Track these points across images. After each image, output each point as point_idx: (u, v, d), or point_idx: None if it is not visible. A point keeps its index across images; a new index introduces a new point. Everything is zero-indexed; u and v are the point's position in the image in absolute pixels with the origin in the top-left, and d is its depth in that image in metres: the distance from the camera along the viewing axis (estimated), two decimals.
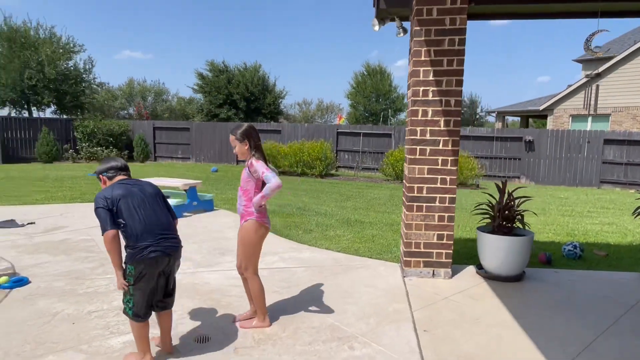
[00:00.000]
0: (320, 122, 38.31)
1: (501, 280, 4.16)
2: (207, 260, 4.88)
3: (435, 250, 4.20)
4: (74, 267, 4.48)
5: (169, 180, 8.02)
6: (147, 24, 69.11)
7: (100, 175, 2.74)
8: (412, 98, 4.08)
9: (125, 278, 2.52)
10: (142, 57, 65.66)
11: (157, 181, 7.93)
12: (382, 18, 4.45)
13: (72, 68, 21.29)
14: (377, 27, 4.50)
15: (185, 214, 7.42)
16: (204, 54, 67.01)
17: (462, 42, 3.95)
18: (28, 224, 6.42)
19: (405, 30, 4.58)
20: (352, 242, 5.81)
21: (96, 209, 2.50)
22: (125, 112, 23.87)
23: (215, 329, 3.15)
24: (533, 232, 4.31)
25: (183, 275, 4.27)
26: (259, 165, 2.98)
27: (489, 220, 4.41)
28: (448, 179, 4.10)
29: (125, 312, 2.59)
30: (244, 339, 3.01)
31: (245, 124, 3.17)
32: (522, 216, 4.27)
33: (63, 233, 5.95)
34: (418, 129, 4.09)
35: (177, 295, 3.63)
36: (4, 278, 3.86)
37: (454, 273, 4.37)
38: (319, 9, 79.50)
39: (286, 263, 4.79)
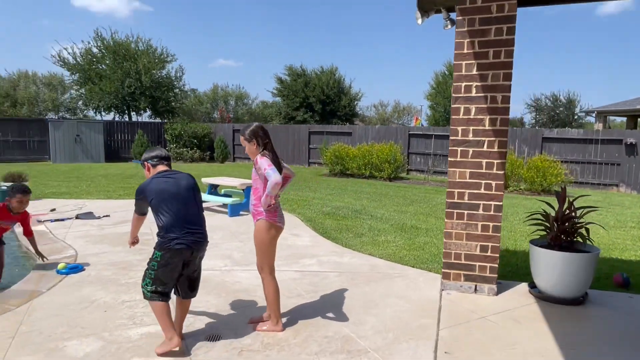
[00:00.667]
0: (396, 124, 37.48)
1: (556, 302, 3.61)
2: (246, 259, 4.95)
3: (477, 263, 3.78)
4: (126, 258, 4.83)
5: (228, 180, 8.35)
6: (239, 35, 73.49)
7: (145, 163, 2.99)
8: (454, 95, 3.73)
9: (150, 261, 2.79)
10: (234, 65, 70.04)
11: (218, 180, 8.32)
12: (425, 10, 4.13)
13: (164, 76, 23.37)
14: (420, 20, 4.19)
15: (242, 212, 7.66)
16: (288, 60, 69.40)
17: (512, 30, 3.50)
18: (104, 216, 7.11)
19: (453, 22, 4.19)
20: (399, 249, 5.51)
21: (135, 199, 2.92)
22: (210, 115, 25.64)
23: (229, 329, 3.15)
24: (599, 248, 3.68)
25: (218, 272, 4.38)
26: (262, 162, 2.93)
27: (545, 233, 3.86)
28: (494, 184, 3.67)
29: (144, 295, 2.79)
30: (252, 341, 2.96)
31: (254, 124, 3.14)
32: (587, 229, 3.66)
33: (129, 226, 6.47)
34: (459, 128, 3.72)
35: (204, 291, 3.73)
36: (62, 264, 4.28)
37: (502, 290, 3.90)
38: (402, 9, 77.93)
39: (322, 267, 4.67)
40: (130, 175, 13.81)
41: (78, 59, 22.52)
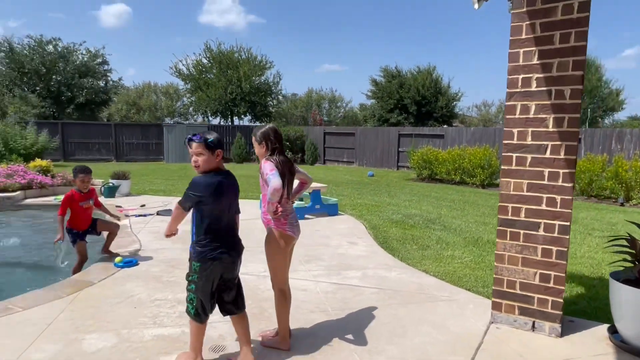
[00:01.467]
0: (501, 125, 34.26)
1: None
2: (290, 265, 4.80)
3: (536, 295, 3.10)
4: (180, 255, 5.04)
5: (295, 182, 8.33)
6: (344, 40, 74.85)
7: (218, 151, 2.59)
8: (509, 90, 3.11)
9: (190, 275, 2.58)
10: (339, 70, 71.57)
11: None
12: None
13: (263, 82, 24.69)
14: (477, 5, 3.60)
15: (307, 216, 7.58)
16: (389, 61, 68.51)
17: (586, 6, 2.79)
18: None
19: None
20: (462, 267, 4.88)
21: (188, 192, 2.49)
22: (306, 118, 26.43)
23: (236, 341, 3.02)
24: None
25: (253, 278, 4.30)
26: (265, 166, 2.73)
27: (631, 264, 3.01)
28: (559, 200, 2.97)
29: (187, 311, 2.62)
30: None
31: (267, 126, 2.94)
32: None
33: None
34: (515, 130, 3.09)
35: None
36: (119, 258, 4.61)
37: (570, 330, 3.14)
38: None
39: (363, 281, 4.32)
40: None
41: (191, 70, 24.97)
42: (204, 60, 24.87)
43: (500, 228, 3.20)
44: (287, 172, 2.90)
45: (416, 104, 25.31)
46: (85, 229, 4.79)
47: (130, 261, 4.63)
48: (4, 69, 24.50)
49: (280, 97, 26.30)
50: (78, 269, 4.56)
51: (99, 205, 5.05)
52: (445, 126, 23.58)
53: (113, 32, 65.37)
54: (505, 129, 3.15)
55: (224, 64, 23.24)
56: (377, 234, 6.41)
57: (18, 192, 8.92)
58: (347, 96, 68.81)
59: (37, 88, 24.86)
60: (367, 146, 19.63)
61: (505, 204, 3.18)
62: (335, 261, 4.99)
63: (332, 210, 7.84)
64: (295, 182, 3.16)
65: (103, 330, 3.12)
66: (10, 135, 16.20)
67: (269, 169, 2.70)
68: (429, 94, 25.23)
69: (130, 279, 4.21)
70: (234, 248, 2.63)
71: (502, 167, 3.20)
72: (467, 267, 4.91)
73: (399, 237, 6.29)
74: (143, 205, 8.38)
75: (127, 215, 7.29)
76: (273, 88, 24.94)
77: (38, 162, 10.54)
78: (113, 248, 5.04)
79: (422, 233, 6.57)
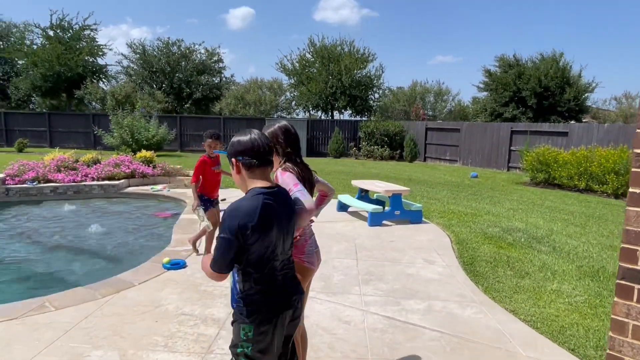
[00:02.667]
0: None
1: None
2: (342, 285, 4.13)
3: None
4: None
5: (377, 183, 7.55)
6: (457, 29, 70.36)
7: (234, 160, 1.72)
8: None
9: (238, 344, 1.70)
10: (452, 61, 67.73)
11: (367, 184, 7.63)
12: None
13: (365, 75, 24.02)
14: None
15: (386, 222, 6.77)
16: (504, 50, 62.28)
17: None
18: None
19: None
20: (568, 310, 3.68)
21: (220, 235, 1.63)
22: (407, 113, 25.11)
23: None
24: None
25: None
26: (285, 179, 2.08)
27: None
28: None
29: None
30: None
31: (276, 125, 2.29)
32: None
33: None
34: None
35: None
36: (167, 259, 4.44)
37: None
38: None
39: (424, 318, 3.45)
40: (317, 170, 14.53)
41: (295, 65, 25.44)
42: (308, 55, 25.12)
43: (621, 282, 2.12)
44: (307, 184, 2.25)
45: (536, 96, 22.20)
46: (216, 196, 4.94)
47: (178, 263, 4.42)
48: (137, 68, 27.84)
49: (381, 91, 25.39)
50: (197, 238, 4.88)
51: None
52: (572, 122, 20.23)
53: (238, 33, 70.84)
54: (637, 131, 2.04)
55: (326, 58, 23.16)
56: (463, 252, 5.36)
57: (122, 181, 9.70)
58: (455, 89, 64.49)
59: (163, 85, 27.74)
60: (474, 143, 17.73)
61: (631, 246, 2.08)
62: (399, 284, 4.17)
63: (414, 218, 6.91)
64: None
65: (111, 348, 2.84)
66: (136, 127, 18.18)
67: (292, 183, 2.03)
68: (553, 85, 21.91)
69: (169, 285, 3.97)
70: (292, 295, 1.81)
71: (630, 189, 2.10)
72: (577, 311, 3.69)
73: (490, 257, 5.17)
74: (224, 199, 8.40)
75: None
76: (375, 81, 24.13)
77: (144, 153, 11.43)
78: (175, 243, 4.93)
79: (521, 255, 5.33)
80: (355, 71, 23.19)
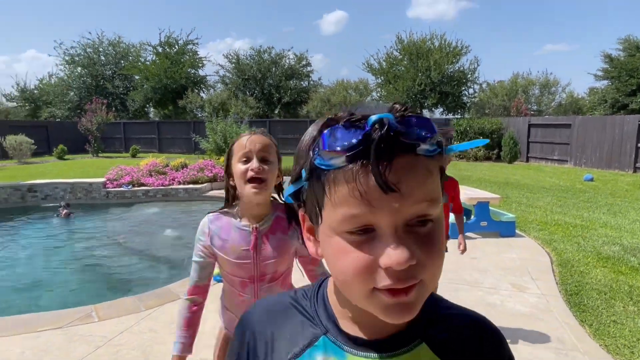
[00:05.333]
0: None
1: None
2: None
3: None
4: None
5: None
6: (572, 15, 62.98)
7: (302, 213, 0.61)
8: None
9: None
10: (565, 50, 60.97)
11: None
12: None
13: (457, 70, 22.33)
14: None
15: (469, 234, 5.87)
16: (628, 31, 53.72)
17: None
18: None
19: None
20: None
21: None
22: (507, 108, 22.75)
23: None
24: None
25: None
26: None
27: None
28: None
29: None
30: None
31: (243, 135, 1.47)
32: None
33: None
34: None
35: None
36: (218, 270, 4.20)
37: None
38: None
39: None
40: None
41: (382, 64, 24.68)
42: (395, 53, 24.19)
43: None
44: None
45: None
46: None
47: None
48: (232, 77, 29.49)
49: (477, 86, 23.39)
50: None
51: (458, 211, 3.45)
52: None
53: (331, 38, 72.15)
54: None
55: (414, 54, 22.03)
56: (566, 276, 4.33)
57: (205, 184, 10.04)
58: (564, 79, 57.15)
59: (255, 91, 28.99)
60: (589, 141, 15.28)
61: None
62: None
63: (505, 230, 5.88)
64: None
65: None
66: (229, 132, 19.14)
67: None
68: None
69: (214, 299, 3.71)
70: None
71: None
72: None
73: (604, 286, 4.08)
74: None
75: None
76: (469, 76, 22.29)
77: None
78: None
79: None
80: (447, 66, 21.66)
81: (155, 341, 3.01)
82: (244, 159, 1.40)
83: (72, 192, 9.52)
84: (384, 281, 0.49)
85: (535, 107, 25.12)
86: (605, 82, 22.17)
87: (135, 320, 3.31)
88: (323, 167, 0.50)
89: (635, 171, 13.53)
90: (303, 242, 0.60)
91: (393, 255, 0.47)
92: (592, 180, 11.99)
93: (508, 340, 0.62)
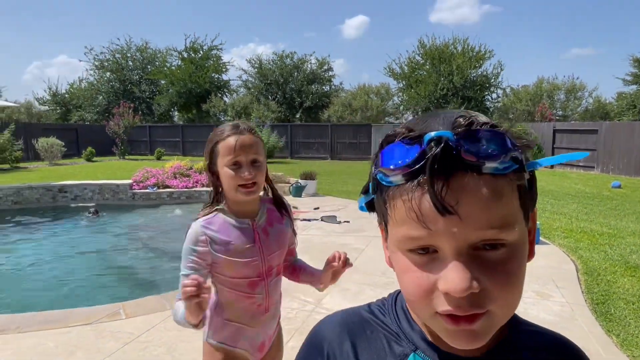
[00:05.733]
0: None
1: None
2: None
3: None
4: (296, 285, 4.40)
5: None
6: (601, 18, 61.49)
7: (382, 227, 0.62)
8: None
9: None
10: (591, 53, 59.45)
11: None
12: None
13: (480, 74, 22.06)
14: None
15: None
16: None
17: None
18: (344, 221, 7.06)
19: None
20: None
21: None
22: (531, 113, 22.30)
23: None
24: None
25: None
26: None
27: None
28: None
29: None
30: None
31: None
32: None
33: (352, 238, 6.08)
34: None
35: None
36: None
37: None
38: None
39: None
40: None
41: (404, 68, 24.60)
42: (417, 58, 24.08)
43: None
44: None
45: None
46: None
47: None
48: (255, 81, 29.93)
49: (500, 91, 23.03)
50: None
51: None
52: None
53: (353, 42, 72.42)
54: None
55: (436, 59, 21.89)
56: (592, 285, 4.23)
57: None
58: (591, 84, 55.64)
59: (277, 96, 29.32)
60: (617, 146, 14.85)
61: None
62: None
63: None
64: None
65: None
66: None
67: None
68: None
69: None
70: None
71: None
72: None
73: (632, 295, 3.98)
74: (317, 208, 8.24)
75: (296, 219, 7.22)
76: (492, 80, 21.98)
77: None
78: None
79: None
80: (469, 70, 21.43)
81: (180, 339, 3.11)
82: (234, 165, 1.31)
83: (100, 193, 9.84)
84: (443, 306, 0.45)
85: (561, 112, 24.55)
86: (635, 86, 21.49)
87: (161, 318, 3.42)
88: (383, 183, 0.48)
89: None
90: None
91: (450, 282, 0.43)
92: (620, 187, 11.64)
93: None
